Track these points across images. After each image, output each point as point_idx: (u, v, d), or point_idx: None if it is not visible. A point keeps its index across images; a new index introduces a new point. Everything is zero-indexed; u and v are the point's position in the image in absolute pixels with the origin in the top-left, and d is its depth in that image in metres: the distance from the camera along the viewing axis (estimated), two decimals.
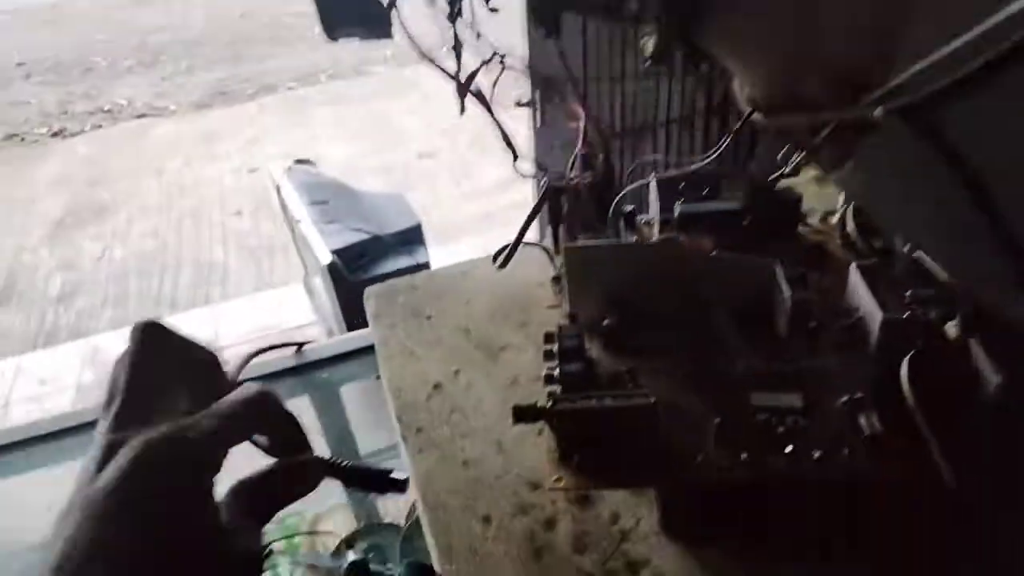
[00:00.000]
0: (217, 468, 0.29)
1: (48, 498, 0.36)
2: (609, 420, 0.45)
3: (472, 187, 3.39)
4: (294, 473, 0.32)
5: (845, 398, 0.47)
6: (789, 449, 0.44)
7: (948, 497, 0.41)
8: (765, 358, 0.51)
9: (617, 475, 0.45)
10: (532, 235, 0.63)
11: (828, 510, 0.45)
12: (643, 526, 0.48)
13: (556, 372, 0.50)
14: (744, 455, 0.45)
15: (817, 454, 0.44)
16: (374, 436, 0.99)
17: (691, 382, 0.51)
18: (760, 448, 0.45)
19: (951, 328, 0.51)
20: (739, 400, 0.49)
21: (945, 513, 0.43)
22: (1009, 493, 0.42)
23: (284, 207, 2.18)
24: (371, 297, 0.70)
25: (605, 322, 0.56)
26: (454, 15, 0.56)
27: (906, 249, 0.55)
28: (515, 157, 0.65)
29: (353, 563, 0.49)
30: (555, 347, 0.52)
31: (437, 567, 0.48)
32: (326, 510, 0.82)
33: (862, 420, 0.46)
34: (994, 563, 0.44)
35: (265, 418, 0.31)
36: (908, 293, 0.53)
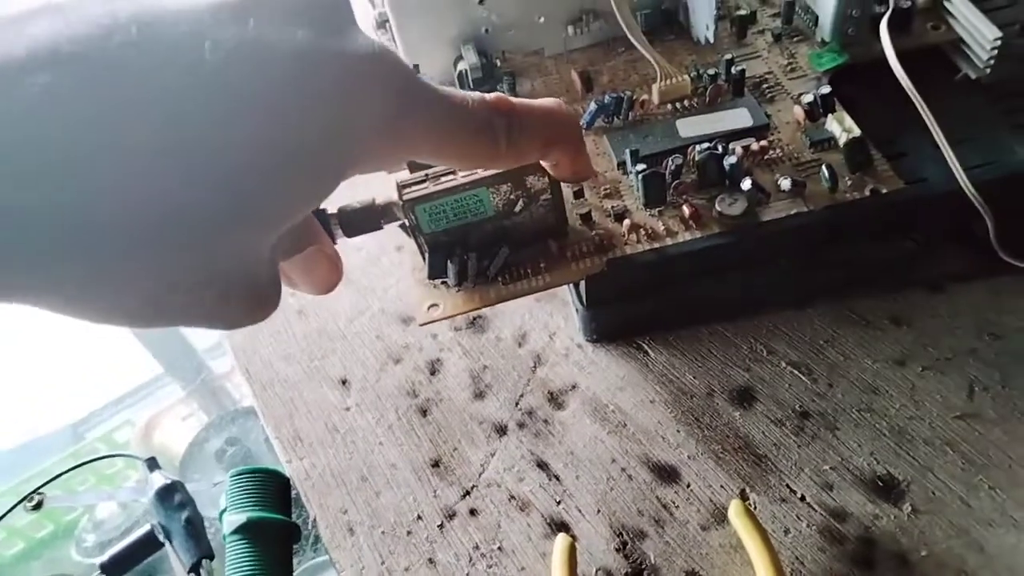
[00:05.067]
0: None
1: None
2: (488, 197, 0.29)
3: None
4: None
5: (809, 98, 0.33)
6: (749, 185, 0.30)
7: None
8: (680, 69, 0.36)
9: (517, 278, 0.31)
10: None
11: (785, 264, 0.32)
12: (561, 342, 0.34)
13: None
14: (687, 209, 0.31)
15: (787, 184, 0.31)
16: None
17: (598, 120, 0.36)
18: (706, 196, 0.31)
19: None
20: (662, 137, 0.34)
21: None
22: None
23: None
24: None
25: (460, 65, 0.38)
26: None
27: None
28: None
29: (160, 490, 0.34)
30: None
31: (284, 466, 0.33)
32: (165, 408, 0.66)
33: (832, 127, 0.33)
34: None
35: None
36: None
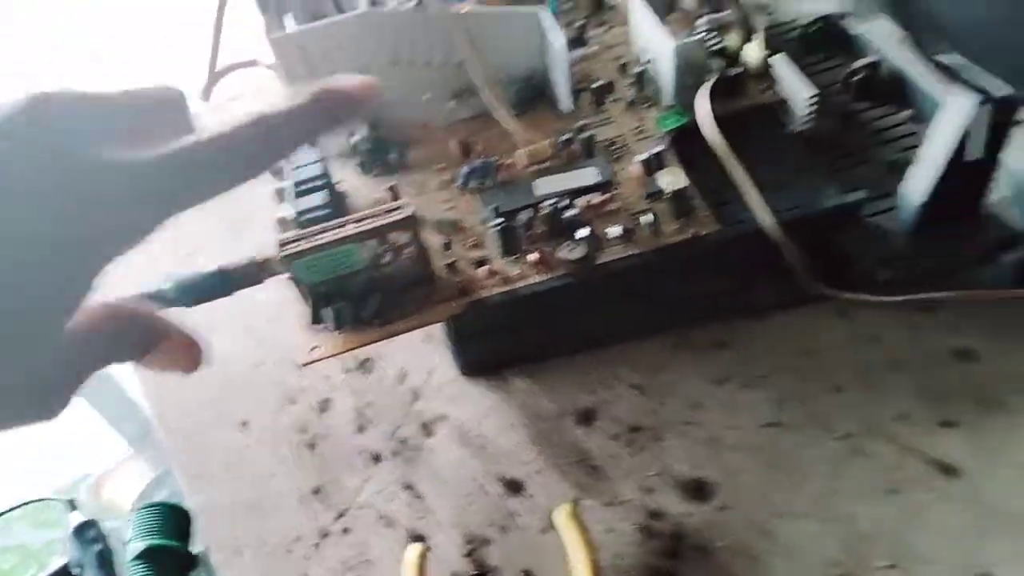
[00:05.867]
0: None
1: None
2: (357, 252, 0.34)
3: None
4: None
5: (644, 156, 0.38)
6: (585, 233, 0.35)
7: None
8: (547, 135, 0.41)
9: (387, 320, 0.35)
10: None
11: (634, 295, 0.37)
12: (437, 378, 0.38)
13: (290, 214, 0.38)
14: (535, 256, 0.35)
15: (617, 231, 0.35)
16: None
17: (468, 184, 0.41)
18: (554, 244, 0.36)
19: (752, 50, 0.43)
20: (520, 194, 0.39)
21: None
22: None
23: None
24: None
25: (353, 138, 0.43)
26: None
27: None
28: None
29: (76, 528, 0.38)
30: (287, 184, 0.40)
31: (188, 501, 0.36)
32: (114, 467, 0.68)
33: (662, 181, 0.38)
34: None
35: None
36: (701, 20, 0.44)
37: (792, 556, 0.28)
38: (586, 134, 0.40)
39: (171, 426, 0.39)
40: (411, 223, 0.34)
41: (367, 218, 0.34)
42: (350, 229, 0.33)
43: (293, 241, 0.33)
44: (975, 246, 0.35)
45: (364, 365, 0.40)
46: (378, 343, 0.36)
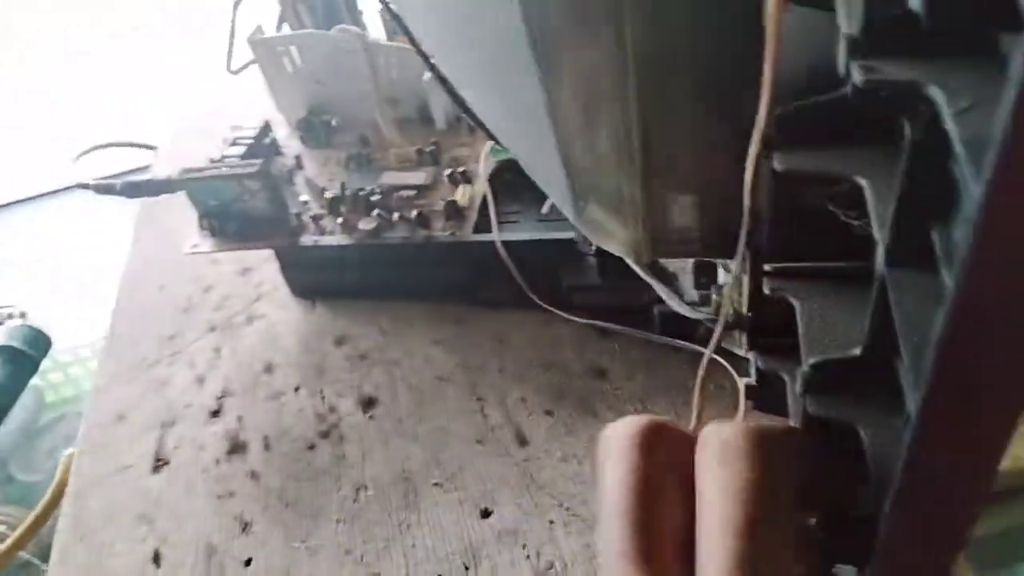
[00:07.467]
0: None
1: None
2: (227, 187, 0.50)
3: None
4: None
5: (449, 171, 0.51)
6: (375, 213, 0.49)
7: None
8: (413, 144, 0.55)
9: (241, 238, 0.51)
10: None
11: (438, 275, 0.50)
12: (280, 293, 0.54)
13: (217, 156, 0.55)
14: (339, 221, 0.50)
15: (395, 217, 0.49)
16: None
17: (350, 165, 0.56)
18: (355, 216, 0.50)
19: None
20: (367, 179, 0.54)
21: None
22: None
23: None
24: None
25: (301, 116, 0.60)
26: None
27: None
28: None
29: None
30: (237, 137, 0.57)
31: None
32: None
33: (456, 193, 0.50)
34: None
35: None
36: None
37: (374, 454, 0.41)
38: (431, 148, 0.54)
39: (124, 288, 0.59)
40: (258, 175, 0.49)
41: (239, 165, 0.50)
42: (223, 171, 0.50)
43: (192, 170, 0.51)
44: (640, 296, 0.45)
45: (244, 272, 0.57)
46: (256, 259, 0.53)
